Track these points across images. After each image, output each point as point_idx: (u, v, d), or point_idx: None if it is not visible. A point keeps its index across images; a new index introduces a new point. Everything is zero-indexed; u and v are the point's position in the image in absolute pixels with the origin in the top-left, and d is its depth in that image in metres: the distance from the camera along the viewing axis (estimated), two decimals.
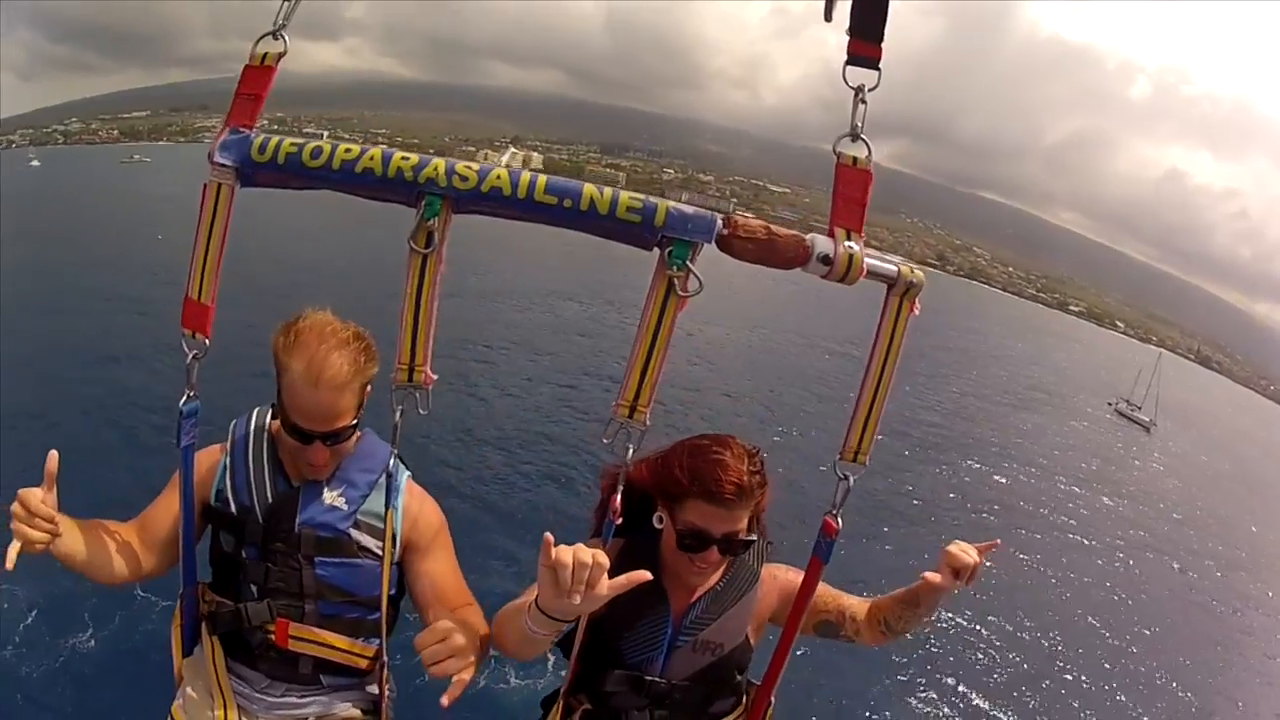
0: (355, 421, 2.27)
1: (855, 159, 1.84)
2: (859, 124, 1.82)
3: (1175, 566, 23.68)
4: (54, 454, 1.92)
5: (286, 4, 1.76)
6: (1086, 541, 23.55)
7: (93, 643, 7.10)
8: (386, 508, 2.26)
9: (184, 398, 1.98)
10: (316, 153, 1.70)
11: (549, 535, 1.70)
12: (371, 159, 1.69)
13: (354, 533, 2.35)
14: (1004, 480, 27.37)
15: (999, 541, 2.10)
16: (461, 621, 1.98)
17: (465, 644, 1.87)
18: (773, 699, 2.38)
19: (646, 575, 1.77)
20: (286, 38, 1.78)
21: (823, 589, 2.29)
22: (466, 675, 1.83)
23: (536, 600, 1.78)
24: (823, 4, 1.87)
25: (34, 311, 25.05)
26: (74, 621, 7.29)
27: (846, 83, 1.81)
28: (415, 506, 2.44)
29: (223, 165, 1.74)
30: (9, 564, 1.78)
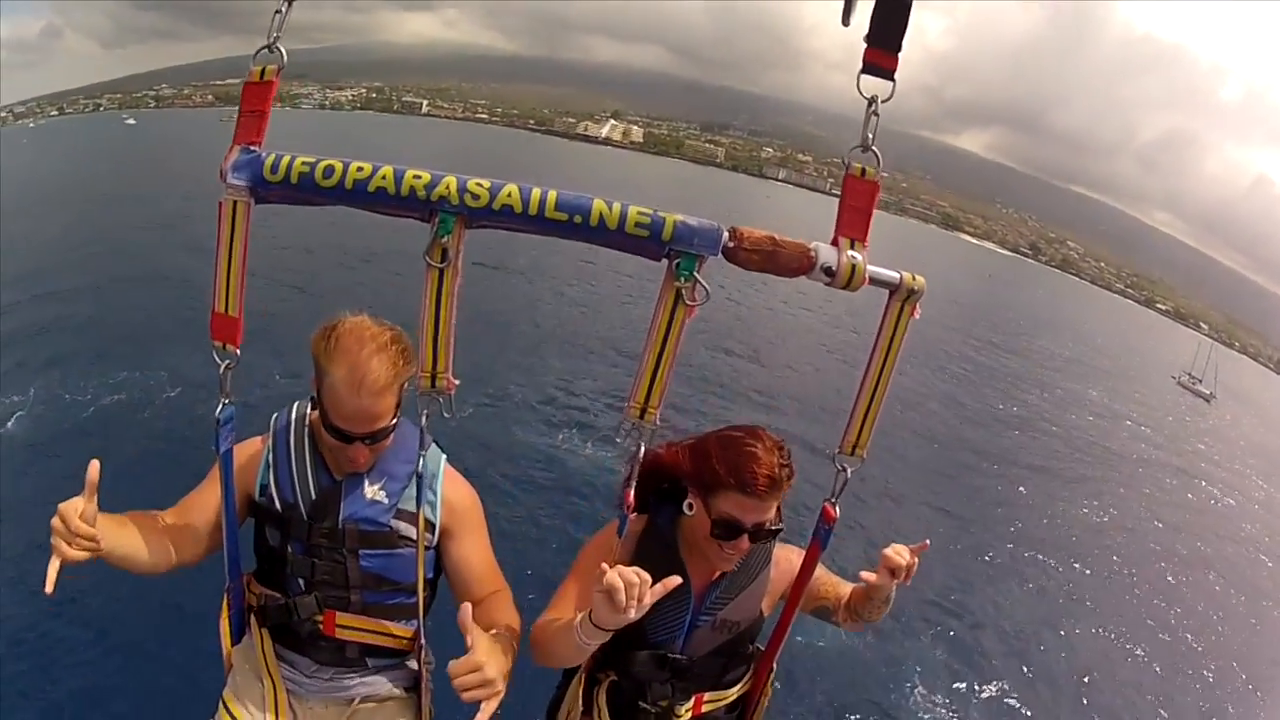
0: (395, 421, 2.25)
1: (864, 169, 1.81)
2: (870, 135, 1.78)
3: (1224, 499, 24.19)
4: (95, 464, 1.82)
5: (279, 15, 1.76)
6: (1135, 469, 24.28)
7: (138, 627, 7.19)
8: (419, 503, 2.26)
9: (219, 405, 1.98)
10: (329, 172, 1.70)
11: (605, 564, 1.79)
12: (384, 178, 1.69)
13: (395, 523, 2.35)
14: (1057, 427, 27.21)
15: (928, 543, 2.13)
16: (492, 633, 2.04)
17: (494, 675, 1.87)
18: (774, 665, 2.47)
19: (678, 580, 1.85)
20: (283, 49, 1.77)
21: (826, 576, 2.40)
22: (493, 704, 1.86)
23: (590, 617, 1.86)
24: (841, 6, 1.80)
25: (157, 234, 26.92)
26: (116, 604, 7.43)
27: (860, 92, 1.76)
28: (452, 493, 2.43)
29: (236, 186, 1.75)
30: (49, 587, 1.76)
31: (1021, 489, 18.31)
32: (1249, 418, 51.43)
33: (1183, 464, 27.30)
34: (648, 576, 1.80)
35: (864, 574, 2.15)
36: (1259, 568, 18.04)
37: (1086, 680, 10.50)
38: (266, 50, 1.76)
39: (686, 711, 2.42)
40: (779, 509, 2.25)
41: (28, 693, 6.36)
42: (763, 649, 2.54)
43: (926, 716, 8.70)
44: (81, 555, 1.81)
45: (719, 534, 2.18)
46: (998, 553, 13.88)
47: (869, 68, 1.77)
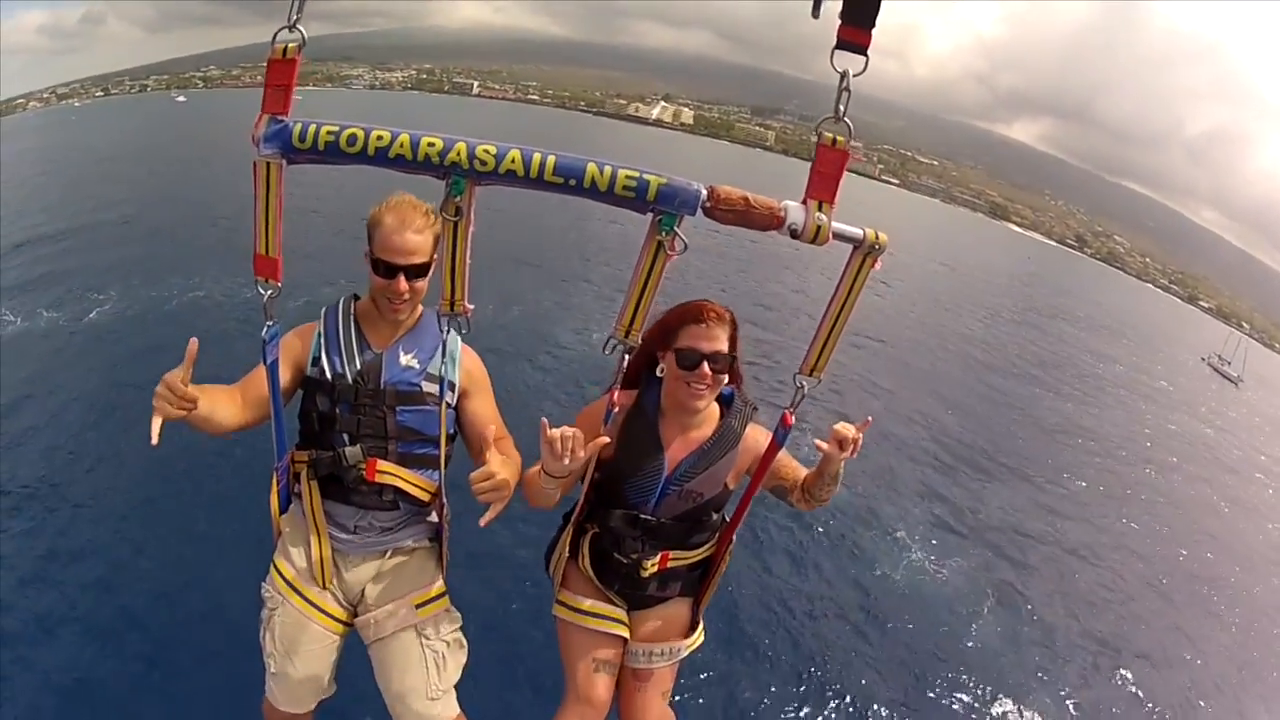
0: (428, 263, 2.65)
1: (835, 139, 1.90)
2: (842, 108, 1.86)
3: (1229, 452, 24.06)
4: (194, 341, 2.16)
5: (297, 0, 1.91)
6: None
7: (190, 509, 7.39)
8: (442, 378, 2.70)
9: (264, 327, 2.33)
10: (352, 139, 1.89)
11: (545, 419, 2.16)
12: (402, 145, 1.89)
13: (424, 385, 2.74)
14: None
15: (870, 419, 2.42)
16: (502, 456, 2.47)
17: (503, 481, 2.32)
18: (734, 538, 2.83)
19: (605, 440, 2.27)
20: (303, 30, 1.94)
21: (787, 459, 2.70)
22: (500, 506, 2.34)
23: (542, 466, 2.28)
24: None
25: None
26: (169, 486, 7.66)
27: (834, 67, 1.82)
28: (468, 364, 2.88)
29: (268, 155, 1.96)
30: (154, 439, 2.07)
31: (1031, 404, 19.83)
32: (1276, 400, 50.17)
33: (1196, 418, 27.75)
34: (581, 434, 2.18)
35: (818, 442, 2.39)
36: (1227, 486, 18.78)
37: (1075, 571, 10.72)
38: (287, 29, 1.92)
39: (653, 565, 2.78)
40: (732, 350, 2.59)
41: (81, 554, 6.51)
42: (728, 520, 2.86)
43: (905, 557, 9.42)
44: (180, 414, 2.19)
45: (683, 364, 2.53)
46: (1005, 452, 14.83)
47: (843, 43, 1.83)
